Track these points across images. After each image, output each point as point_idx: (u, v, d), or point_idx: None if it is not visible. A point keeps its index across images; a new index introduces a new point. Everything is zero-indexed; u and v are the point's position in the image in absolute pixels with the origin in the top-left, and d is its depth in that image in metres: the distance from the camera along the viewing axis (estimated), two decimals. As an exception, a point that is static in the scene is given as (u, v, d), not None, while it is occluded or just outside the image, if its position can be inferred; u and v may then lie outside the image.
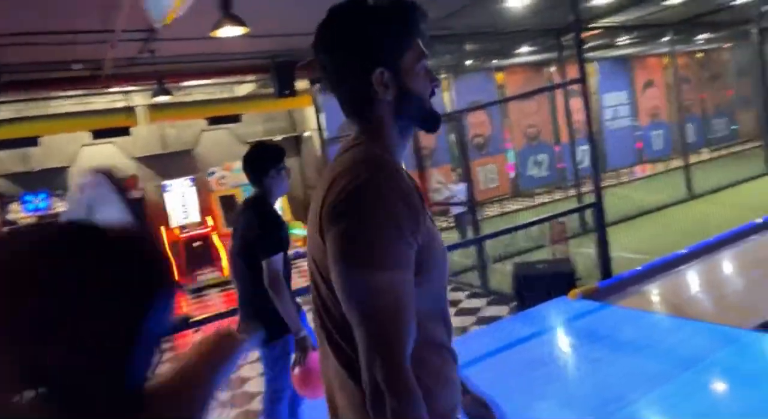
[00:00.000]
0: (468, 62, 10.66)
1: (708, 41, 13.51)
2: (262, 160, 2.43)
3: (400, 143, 1.02)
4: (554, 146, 12.28)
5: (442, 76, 10.80)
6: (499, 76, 11.64)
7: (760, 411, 2.36)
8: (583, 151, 12.42)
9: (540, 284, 4.16)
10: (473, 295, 5.69)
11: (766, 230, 5.47)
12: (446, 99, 10.76)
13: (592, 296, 3.95)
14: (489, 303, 5.32)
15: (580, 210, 4.56)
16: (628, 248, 6.87)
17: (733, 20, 10.82)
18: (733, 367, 2.77)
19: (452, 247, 4.86)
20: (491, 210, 10.68)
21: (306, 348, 2.27)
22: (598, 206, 4.43)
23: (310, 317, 1.32)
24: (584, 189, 9.19)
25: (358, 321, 0.85)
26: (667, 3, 7.42)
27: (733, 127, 15.57)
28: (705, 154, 14.23)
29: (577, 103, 13.01)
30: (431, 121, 1.04)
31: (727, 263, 4.67)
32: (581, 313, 3.76)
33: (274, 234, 2.33)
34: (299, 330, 2.30)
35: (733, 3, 7.38)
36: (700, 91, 15.14)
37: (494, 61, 11.08)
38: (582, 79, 4.36)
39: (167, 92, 6.58)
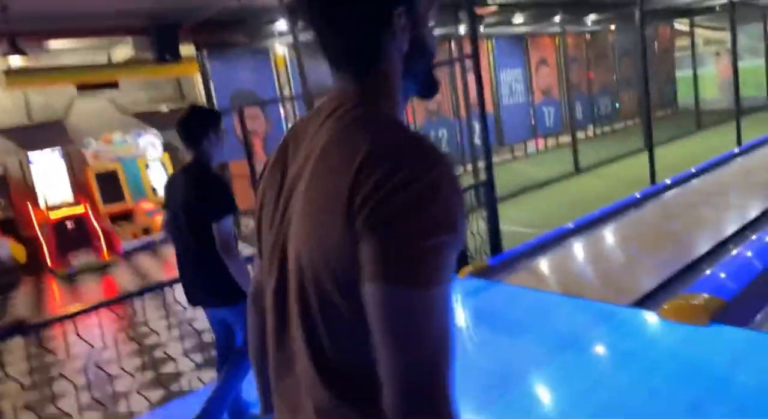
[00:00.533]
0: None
1: (596, 23, 14.19)
2: (203, 123, 2.37)
3: (403, 108, 0.84)
4: (455, 121, 12.41)
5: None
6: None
7: (633, 386, 2.41)
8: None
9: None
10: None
11: (643, 204, 5.82)
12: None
13: (483, 274, 3.93)
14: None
15: (470, 189, 4.51)
16: (519, 221, 7.07)
17: (618, 1, 11.37)
18: (612, 344, 2.83)
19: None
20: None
21: None
22: (488, 185, 4.41)
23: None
24: (480, 165, 9.40)
25: (397, 349, 0.66)
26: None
27: (616, 105, 16.64)
28: (591, 131, 15.12)
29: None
30: (435, 85, 0.87)
31: (609, 239, 4.88)
32: (470, 292, 3.73)
33: (223, 196, 2.28)
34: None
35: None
36: (588, 70, 15.97)
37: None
38: (474, 55, 4.26)
39: (22, 52, 5.73)
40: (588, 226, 5.12)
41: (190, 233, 2.33)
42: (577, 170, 10.11)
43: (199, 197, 2.28)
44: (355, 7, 0.76)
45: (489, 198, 4.42)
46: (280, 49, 9.19)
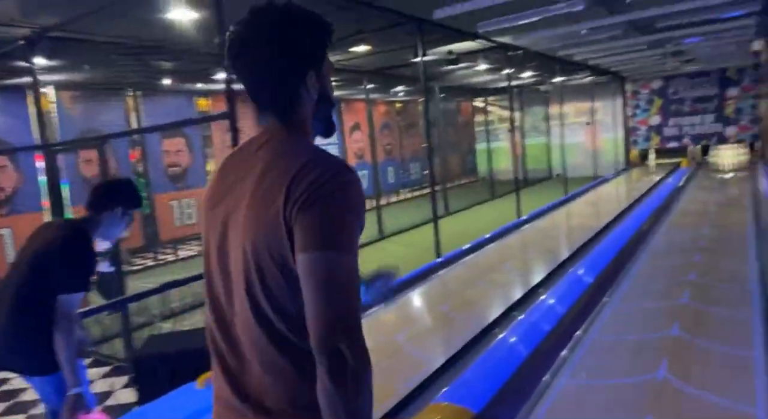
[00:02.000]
0: (166, 82, 9.43)
1: (407, 93, 14.92)
2: (116, 196, 2.31)
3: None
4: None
5: (129, 94, 9.34)
6: (202, 102, 10.66)
7: None
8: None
9: (165, 369, 3.22)
10: (116, 371, 4.45)
11: (423, 282, 5.61)
12: (132, 120, 9.28)
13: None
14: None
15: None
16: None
17: (417, 76, 11.95)
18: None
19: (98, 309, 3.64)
20: (191, 249, 9.55)
21: (78, 408, 2.08)
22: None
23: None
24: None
25: (326, 297, 0.91)
26: (355, 50, 7.51)
27: (425, 171, 17.56)
28: (402, 195, 15.58)
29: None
30: (333, 126, 1.16)
31: (380, 326, 4.46)
32: (204, 409, 2.94)
33: (85, 272, 2.18)
34: (75, 384, 2.07)
35: (414, 61, 7.88)
36: (400, 137, 16.68)
37: (198, 85, 10.11)
38: (230, 115, 3.68)
39: None
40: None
41: (30, 293, 2.13)
42: (381, 235, 10.04)
43: (60, 259, 2.12)
44: (276, 69, 1.05)
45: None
46: (46, 88, 7.79)
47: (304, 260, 0.92)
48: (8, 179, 7.50)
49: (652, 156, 16.16)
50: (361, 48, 7.33)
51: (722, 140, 15.08)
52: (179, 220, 10.00)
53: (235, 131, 3.76)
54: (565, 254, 5.85)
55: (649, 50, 10.46)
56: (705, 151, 15.31)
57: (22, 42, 5.23)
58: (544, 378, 3.10)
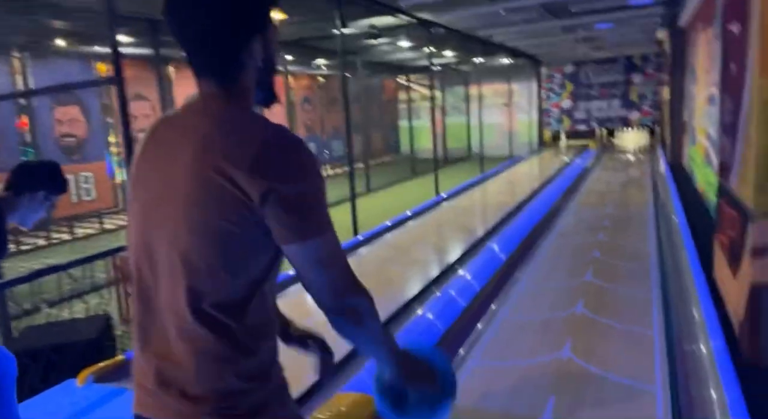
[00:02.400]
0: (59, 43, 8.52)
1: (330, 67, 14.50)
2: (40, 176, 2.18)
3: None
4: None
5: (15, 55, 8.38)
6: (102, 67, 9.79)
7: None
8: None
9: (38, 366, 2.87)
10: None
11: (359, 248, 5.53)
12: (19, 84, 8.35)
13: (114, 377, 2.88)
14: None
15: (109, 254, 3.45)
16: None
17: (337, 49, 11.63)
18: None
19: None
20: (91, 228, 8.85)
21: None
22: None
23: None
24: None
25: (321, 274, 0.96)
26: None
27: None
28: (324, 172, 15.25)
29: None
30: (275, 95, 1.08)
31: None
32: (85, 409, 2.65)
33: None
34: None
35: (334, 33, 7.60)
36: (321, 112, 16.29)
37: (96, 48, 9.24)
38: (117, 80, 3.30)
39: None
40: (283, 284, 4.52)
41: None
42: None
43: None
44: (216, 31, 0.95)
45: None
46: None
47: (292, 251, 0.95)
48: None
49: (563, 138, 16.90)
50: (275, 15, 6.93)
51: (626, 123, 16.00)
52: (76, 196, 9.20)
53: (123, 98, 3.39)
54: (479, 233, 5.91)
55: (563, 34, 10.77)
56: (611, 134, 16.23)
57: None
58: (457, 355, 3.09)
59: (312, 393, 2.70)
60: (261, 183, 0.89)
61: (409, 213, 7.10)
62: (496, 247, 5.34)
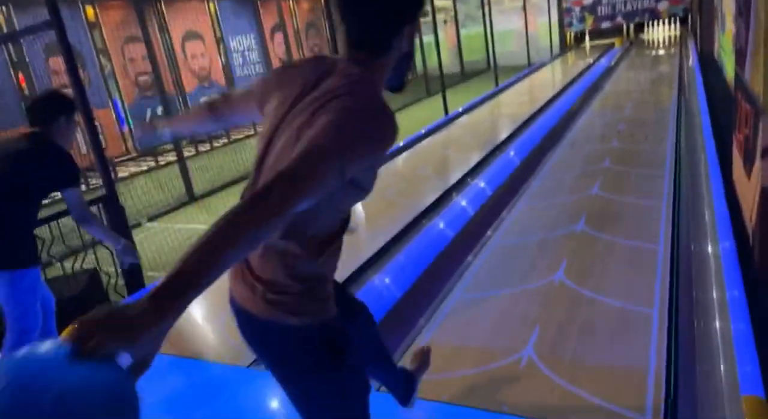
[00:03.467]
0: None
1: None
2: (55, 108, 2.41)
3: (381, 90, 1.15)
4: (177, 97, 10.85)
5: (-3, 7, 8.06)
6: (90, 11, 9.41)
7: None
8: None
9: None
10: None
11: None
12: None
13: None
14: None
15: (97, 203, 3.32)
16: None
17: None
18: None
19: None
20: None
21: (130, 252, 2.58)
22: (110, 201, 3.29)
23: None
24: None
25: (295, 166, 0.92)
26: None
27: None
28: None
29: (196, 47, 11.79)
30: (404, 84, 1.21)
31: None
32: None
33: (76, 168, 2.40)
34: (119, 240, 2.56)
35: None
36: (327, 37, 15.55)
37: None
38: (56, 24, 3.03)
39: None
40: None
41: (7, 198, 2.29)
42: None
43: (46, 164, 2.33)
44: (385, 20, 1.11)
45: (115, 218, 3.31)
46: None
47: (302, 143, 0.98)
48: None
49: (587, 38, 15.74)
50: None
51: (654, 15, 14.70)
52: (85, 146, 9.17)
53: (66, 43, 3.11)
54: (482, 152, 5.55)
55: None
56: (639, 28, 14.99)
57: None
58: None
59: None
60: (330, 99, 1.03)
61: (401, 143, 6.57)
62: (498, 165, 5.02)
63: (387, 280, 3.02)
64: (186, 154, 9.30)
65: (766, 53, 2.11)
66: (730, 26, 6.00)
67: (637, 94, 7.90)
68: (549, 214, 3.83)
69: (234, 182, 7.68)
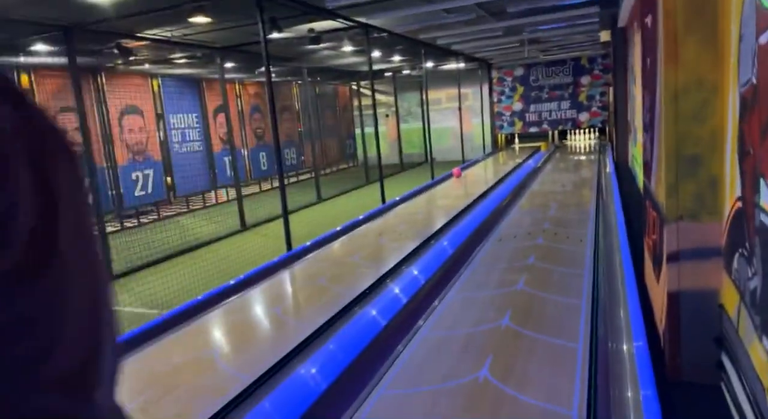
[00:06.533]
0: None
1: (277, 74, 14.09)
2: None
3: None
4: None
5: None
6: (24, 78, 9.23)
7: None
8: (145, 175, 11.28)
9: None
10: None
11: (293, 264, 5.20)
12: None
13: None
14: None
15: None
16: (146, 299, 5.81)
17: (285, 56, 11.33)
18: None
19: None
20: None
21: None
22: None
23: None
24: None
25: None
26: (195, 21, 6.75)
27: (302, 157, 16.96)
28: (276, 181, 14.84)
29: (134, 122, 11.66)
30: None
31: (204, 334, 3.93)
32: None
33: None
34: None
35: (271, 37, 7.31)
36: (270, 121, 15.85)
37: (22, 58, 8.73)
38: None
39: None
40: (222, 296, 4.17)
41: None
42: (243, 226, 9.39)
43: None
44: None
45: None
46: None
47: None
48: None
49: (516, 140, 16.94)
50: (200, 19, 6.59)
51: (576, 125, 16.12)
52: None
53: None
54: (415, 243, 5.63)
55: (505, 37, 10.69)
56: (563, 135, 16.34)
57: None
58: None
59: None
60: None
61: (338, 228, 6.66)
62: (427, 259, 5.09)
63: (313, 370, 2.88)
64: (109, 229, 8.95)
65: (667, 168, 2.33)
66: (640, 139, 6.62)
67: (560, 195, 8.41)
68: (477, 307, 3.86)
69: (158, 261, 7.43)
